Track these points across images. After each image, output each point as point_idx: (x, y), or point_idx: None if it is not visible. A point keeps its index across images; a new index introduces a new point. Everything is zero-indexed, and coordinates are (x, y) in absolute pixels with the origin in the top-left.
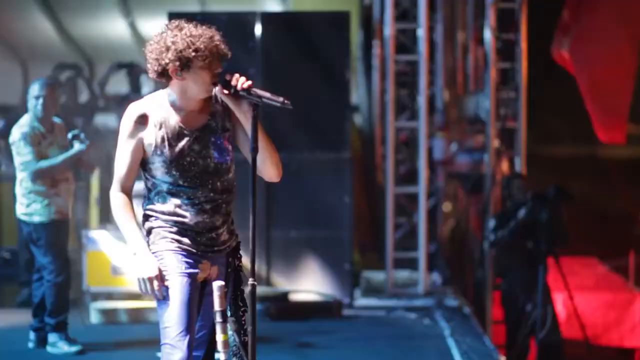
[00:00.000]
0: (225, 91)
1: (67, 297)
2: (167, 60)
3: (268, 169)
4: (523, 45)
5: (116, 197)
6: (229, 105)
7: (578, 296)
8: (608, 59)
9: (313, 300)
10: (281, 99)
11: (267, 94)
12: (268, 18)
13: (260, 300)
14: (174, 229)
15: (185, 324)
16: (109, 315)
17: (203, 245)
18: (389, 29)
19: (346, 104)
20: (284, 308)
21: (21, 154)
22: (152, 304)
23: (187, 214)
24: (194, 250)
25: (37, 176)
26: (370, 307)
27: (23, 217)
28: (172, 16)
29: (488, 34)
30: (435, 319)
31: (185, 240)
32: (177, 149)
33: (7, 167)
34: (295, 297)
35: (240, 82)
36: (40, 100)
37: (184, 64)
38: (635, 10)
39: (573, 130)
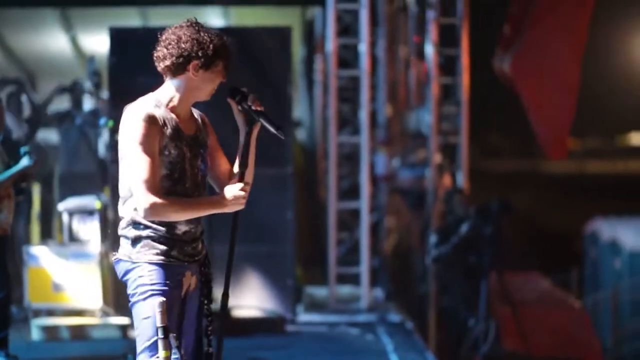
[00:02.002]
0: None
1: (7, 314)
2: (199, 54)
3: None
4: (464, 60)
5: (158, 200)
6: (238, 120)
7: (520, 310)
8: (550, 75)
9: (256, 316)
10: (277, 127)
11: (268, 119)
12: None
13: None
14: (163, 239)
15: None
16: (51, 332)
17: (188, 255)
18: (331, 44)
19: (288, 119)
20: (226, 324)
21: None
22: (94, 321)
23: (178, 223)
24: (181, 261)
25: None
26: (313, 323)
27: None
28: (114, 31)
29: (430, 49)
30: (378, 334)
31: (174, 251)
32: (181, 151)
33: None
34: (238, 313)
35: (255, 100)
36: None
37: (210, 62)
38: (576, 25)
39: (514, 145)
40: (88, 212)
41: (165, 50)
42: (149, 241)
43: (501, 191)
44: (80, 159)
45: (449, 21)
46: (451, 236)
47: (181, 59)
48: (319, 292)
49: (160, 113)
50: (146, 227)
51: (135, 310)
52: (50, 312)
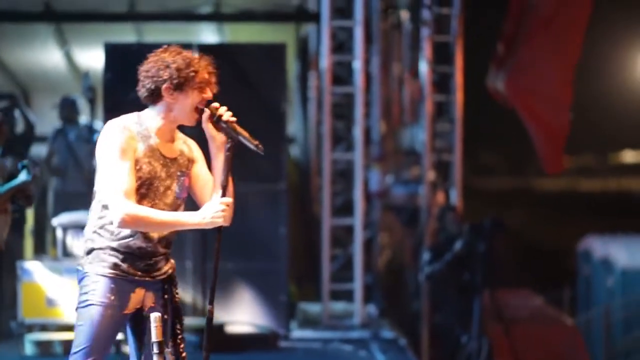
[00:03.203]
0: (209, 117)
1: None
2: (164, 78)
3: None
4: (458, 78)
5: (133, 206)
6: (208, 132)
7: (513, 328)
8: (543, 92)
9: (249, 332)
10: (256, 142)
11: (245, 133)
12: (204, 49)
13: (196, 332)
14: (115, 252)
15: (94, 352)
16: (44, 347)
17: (140, 271)
18: (325, 61)
19: (282, 135)
20: (219, 340)
21: None
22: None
23: (134, 238)
24: (131, 276)
25: None
26: (307, 339)
27: None
28: (109, 47)
29: (424, 67)
30: (371, 350)
31: (124, 265)
32: (153, 169)
33: None
34: (231, 328)
35: (226, 114)
36: None
37: (181, 83)
38: (569, 44)
39: (508, 162)
40: (82, 227)
41: (140, 83)
42: (99, 253)
43: (494, 209)
44: (73, 175)
45: (443, 39)
46: (444, 253)
47: (153, 86)
48: (312, 308)
49: (139, 130)
50: (100, 239)
51: (76, 317)
52: (44, 327)
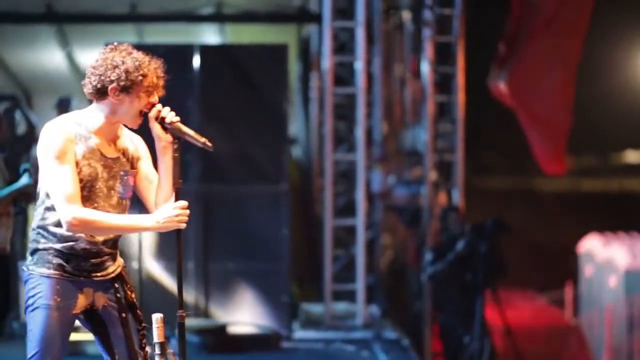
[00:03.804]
0: (153, 119)
1: None
2: (111, 78)
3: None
4: (460, 78)
5: (81, 213)
6: (155, 134)
7: (516, 328)
8: (545, 92)
9: (251, 333)
10: (203, 139)
11: (191, 132)
12: (206, 50)
13: (198, 333)
14: (60, 253)
15: (48, 355)
16: None
17: (86, 271)
18: (327, 62)
19: (284, 136)
20: (221, 340)
21: None
22: (90, 336)
23: (78, 240)
24: (76, 277)
25: None
26: (309, 340)
27: None
28: None
29: (425, 67)
30: (373, 351)
31: (68, 266)
32: (94, 170)
33: None
34: (234, 329)
35: (169, 115)
36: None
37: (127, 86)
38: (569, 43)
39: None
40: None
41: (86, 78)
42: (43, 254)
43: (496, 209)
44: None
45: (445, 39)
46: (446, 253)
47: (99, 85)
48: (314, 308)
49: (77, 131)
50: (43, 239)
51: (27, 321)
52: None
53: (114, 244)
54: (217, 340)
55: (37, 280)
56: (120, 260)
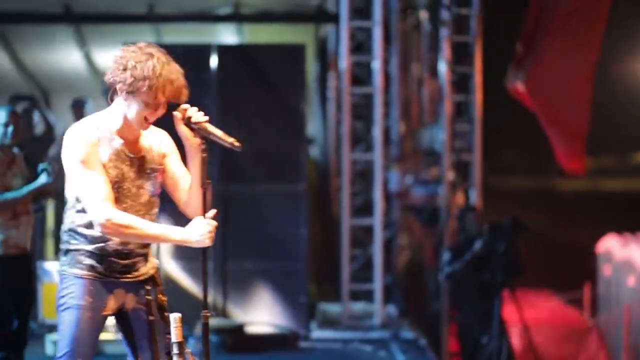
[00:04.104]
0: (180, 119)
1: (8, 334)
2: (119, 79)
3: (196, 206)
4: (477, 77)
5: (112, 215)
6: (182, 134)
7: (534, 328)
8: (564, 92)
9: (269, 333)
10: (231, 140)
11: (218, 132)
12: (224, 50)
13: (216, 332)
14: (91, 254)
15: (78, 354)
16: None
17: (118, 272)
18: (344, 62)
19: (302, 135)
20: (239, 340)
21: None
22: (108, 336)
23: (109, 240)
24: (108, 278)
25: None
26: (327, 339)
27: None
28: None
29: (443, 67)
30: (391, 351)
31: (100, 266)
32: (120, 171)
33: None
34: (251, 329)
35: (196, 115)
36: (10, 128)
37: (132, 91)
38: (588, 43)
39: (528, 162)
40: None
41: (110, 71)
42: (75, 254)
43: (514, 209)
44: None
45: (462, 39)
46: (464, 253)
47: (110, 81)
48: (332, 308)
49: (99, 134)
50: (74, 241)
51: (58, 320)
52: None
53: (146, 244)
54: (235, 339)
55: (70, 281)
56: (153, 262)
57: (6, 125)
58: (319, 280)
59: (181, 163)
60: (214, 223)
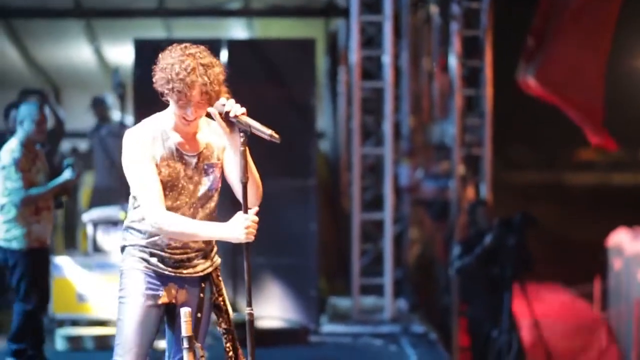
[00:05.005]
0: (217, 114)
1: (31, 327)
2: (154, 81)
3: (250, 200)
4: (488, 72)
5: (163, 219)
6: (221, 129)
7: (544, 322)
8: (575, 86)
9: (279, 327)
10: (270, 132)
11: (257, 125)
12: (234, 45)
13: None
14: (143, 248)
15: (133, 344)
16: (75, 342)
17: (171, 267)
18: (354, 56)
19: (312, 130)
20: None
21: (11, 179)
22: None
23: (161, 236)
24: (162, 271)
25: (25, 204)
26: (337, 334)
27: (1, 243)
28: (138, 43)
29: (453, 61)
30: (401, 345)
31: (154, 260)
32: (174, 170)
33: None
34: (262, 323)
35: (234, 109)
36: (35, 126)
37: (163, 93)
38: (599, 37)
39: (538, 156)
40: (112, 223)
41: None
42: (130, 249)
43: (525, 203)
44: (105, 171)
45: (473, 33)
46: (474, 247)
47: (153, 82)
48: (342, 302)
49: (154, 134)
50: (130, 237)
51: (117, 311)
52: (75, 323)
53: (204, 242)
54: (244, 334)
55: (126, 275)
56: (215, 260)
57: (33, 122)
58: (329, 274)
59: None
60: (255, 218)
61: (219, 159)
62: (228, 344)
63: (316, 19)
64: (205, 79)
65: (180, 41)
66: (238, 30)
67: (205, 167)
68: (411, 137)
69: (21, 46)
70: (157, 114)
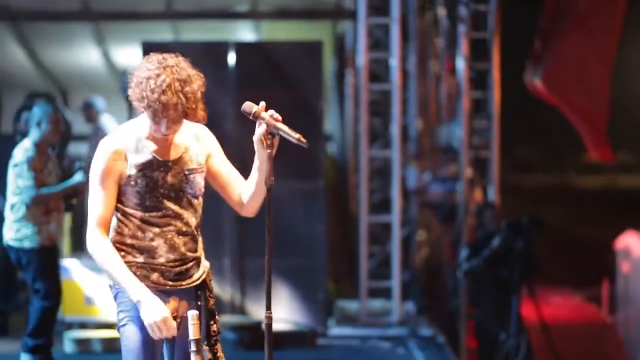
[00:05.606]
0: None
1: (49, 323)
2: (129, 94)
3: (252, 205)
4: (495, 74)
5: (100, 241)
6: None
7: (552, 325)
8: (581, 88)
9: (287, 330)
10: (297, 135)
11: (285, 127)
12: (242, 47)
13: (234, 329)
14: (144, 264)
15: None
16: (83, 344)
17: (171, 281)
18: (362, 58)
19: (319, 133)
20: (257, 337)
21: (23, 177)
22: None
23: (158, 248)
24: (162, 287)
25: (35, 203)
26: (344, 336)
27: (12, 243)
28: (146, 45)
29: (461, 64)
30: (409, 348)
31: (153, 276)
32: (152, 179)
33: None
34: None
35: (265, 113)
36: (51, 126)
37: (138, 107)
38: (605, 39)
39: (545, 159)
40: None
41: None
42: (128, 267)
43: (532, 205)
44: None
45: (480, 35)
46: (482, 250)
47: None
48: (350, 305)
49: (130, 144)
50: (123, 253)
51: (120, 337)
52: (83, 325)
53: (196, 246)
54: (253, 336)
55: (125, 295)
56: (205, 265)
57: (49, 123)
58: (336, 277)
59: (226, 160)
60: (171, 323)
61: (199, 164)
62: (216, 346)
63: (323, 21)
64: (182, 97)
65: (188, 44)
66: (245, 32)
67: (186, 172)
68: (419, 139)
69: (29, 49)
70: (132, 121)
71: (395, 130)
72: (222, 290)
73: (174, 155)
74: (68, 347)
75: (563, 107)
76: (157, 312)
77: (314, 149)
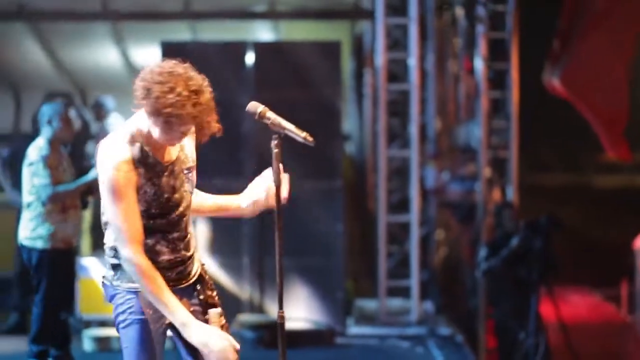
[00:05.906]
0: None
1: (52, 328)
2: (140, 98)
3: (210, 214)
4: (514, 74)
5: (140, 261)
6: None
7: (571, 325)
8: (600, 88)
9: (306, 329)
10: (304, 134)
11: (291, 127)
12: (260, 47)
13: (253, 328)
14: None
15: None
16: (102, 342)
17: (173, 281)
18: (380, 58)
19: (338, 132)
20: (276, 336)
21: (39, 175)
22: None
23: (161, 252)
24: None
25: (52, 200)
26: (363, 336)
27: (26, 242)
28: (165, 45)
29: (479, 63)
30: (428, 347)
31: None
32: (159, 187)
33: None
34: (288, 324)
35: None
36: (62, 123)
37: (150, 112)
38: (624, 38)
39: (564, 159)
40: None
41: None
42: None
43: (551, 205)
44: None
45: (499, 35)
46: (501, 250)
47: (135, 95)
48: (369, 304)
49: (134, 152)
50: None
51: (120, 338)
52: (102, 323)
53: (189, 244)
54: (271, 335)
55: (125, 296)
56: (199, 259)
57: (61, 121)
58: (355, 276)
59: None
60: (236, 346)
61: (193, 161)
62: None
63: (342, 21)
64: (199, 109)
65: (206, 43)
66: (263, 32)
67: (185, 171)
68: (437, 139)
69: (48, 49)
70: (127, 128)
71: (413, 130)
72: (241, 289)
73: (173, 156)
74: (87, 345)
75: (581, 107)
76: (216, 339)
77: (333, 148)
